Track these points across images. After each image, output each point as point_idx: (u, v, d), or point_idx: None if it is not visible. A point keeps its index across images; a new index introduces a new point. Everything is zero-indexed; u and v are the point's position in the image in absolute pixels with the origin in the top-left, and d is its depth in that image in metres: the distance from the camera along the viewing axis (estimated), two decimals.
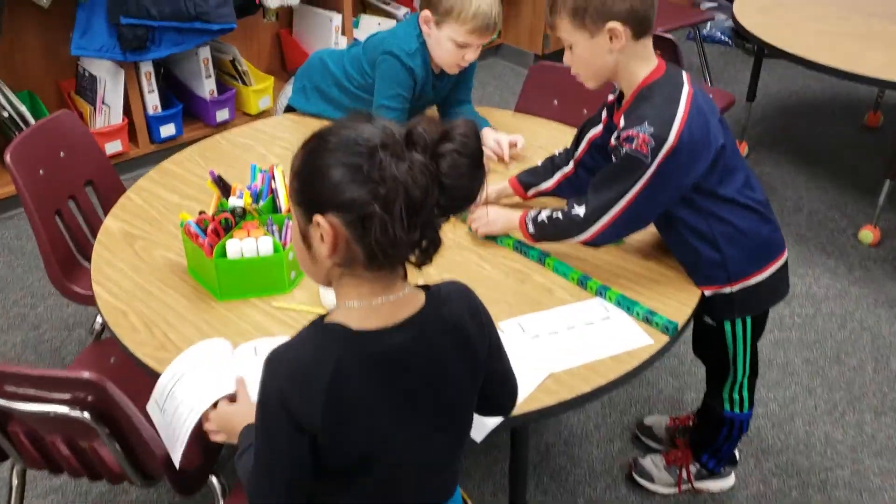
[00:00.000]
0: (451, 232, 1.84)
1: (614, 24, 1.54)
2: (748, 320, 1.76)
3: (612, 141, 1.62)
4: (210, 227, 1.60)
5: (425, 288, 1.12)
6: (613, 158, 1.62)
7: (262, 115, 3.57)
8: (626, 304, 1.63)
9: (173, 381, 1.36)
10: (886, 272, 2.94)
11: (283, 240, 1.65)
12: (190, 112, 3.49)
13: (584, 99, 2.31)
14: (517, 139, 2.13)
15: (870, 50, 2.94)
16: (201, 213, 1.67)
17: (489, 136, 2.15)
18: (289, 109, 2.38)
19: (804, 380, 2.48)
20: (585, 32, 1.57)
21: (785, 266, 1.75)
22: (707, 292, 1.70)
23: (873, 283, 2.87)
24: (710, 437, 1.99)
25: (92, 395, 1.33)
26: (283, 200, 1.74)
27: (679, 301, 1.66)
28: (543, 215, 1.71)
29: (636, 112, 1.57)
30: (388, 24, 3.90)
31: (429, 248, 1.02)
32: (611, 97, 1.77)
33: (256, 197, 1.71)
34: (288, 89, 2.38)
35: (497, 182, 1.95)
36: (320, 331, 1.07)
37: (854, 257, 3.02)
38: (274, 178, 1.76)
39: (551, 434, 2.27)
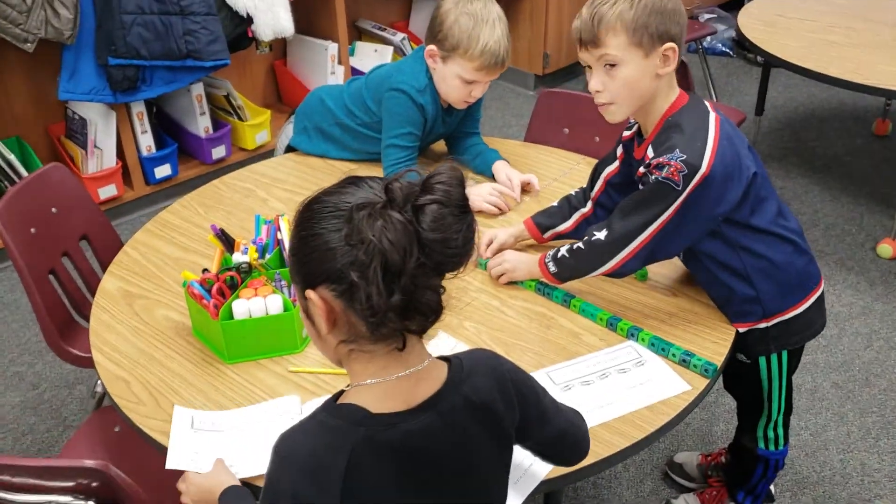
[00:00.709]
0: (470, 276, 1.75)
1: (672, 45, 1.47)
2: (784, 355, 1.67)
3: (641, 170, 1.54)
4: (215, 288, 1.51)
5: (448, 359, 1.03)
6: (641, 187, 1.54)
7: (259, 150, 3.50)
8: (661, 346, 1.53)
9: (222, 426, 1.36)
10: None
11: (292, 296, 1.56)
12: (185, 150, 3.41)
13: (596, 127, 2.24)
14: (531, 178, 2.03)
15: (878, 59, 2.87)
16: (205, 271, 1.57)
17: (501, 172, 2.06)
18: (290, 149, 2.29)
19: (834, 405, 2.38)
20: (640, 51, 1.47)
21: (822, 298, 1.66)
22: (741, 329, 1.61)
23: (895, 297, 2.79)
24: (745, 476, 1.89)
25: (96, 481, 1.23)
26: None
27: (714, 340, 1.57)
28: (563, 250, 1.63)
29: (666, 140, 1.50)
30: (384, 50, 3.83)
31: (426, 313, 0.93)
32: (627, 133, 1.69)
33: (262, 251, 1.61)
34: (288, 129, 2.29)
35: (510, 225, 1.87)
36: (334, 414, 0.98)
37: (874, 272, 2.94)
38: (280, 228, 1.67)
39: None
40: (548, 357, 1.54)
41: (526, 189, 2.04)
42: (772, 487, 1.99)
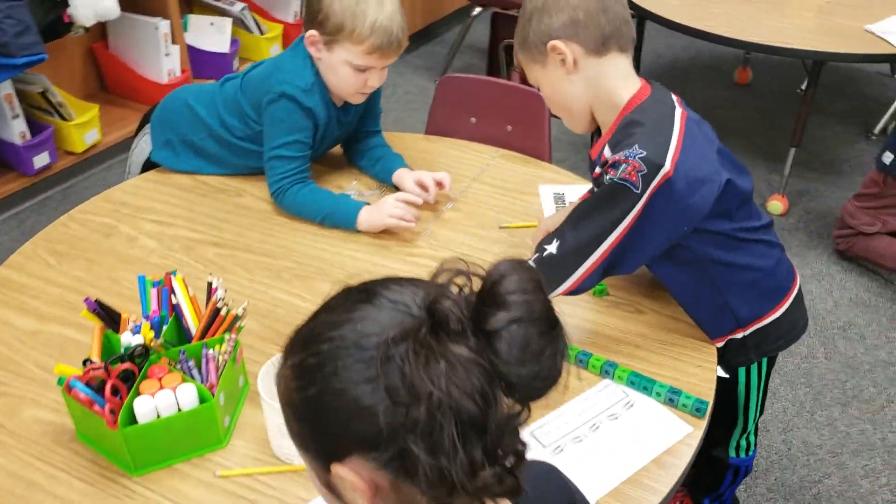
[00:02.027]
0: None
1: (554, 42, 1.30)
2: (763, 363, 1.54)
3: (597, 170, 1.33)
4: (108, 387, 1.16)
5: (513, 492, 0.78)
6: (594, 190, 1.33)
7: (90, 152, 3.00)
8: (643, 385, 1.34)
9: None
10: (804, 242, 2.86)
11: (205, 379, 1.23)
12: (0, 163, 2.85)
13: (507, 114, 2.00)
14: (442, 177, 1.77)
15: (739, 12, 2.81)
16: (86, 362, 1.21)
17: (407, 181, 1.77)
18: (150, 164, 1.89)
19: None
20: (537, 64, 1.37)
21: (800, 294, 1.53)
22: (718, 344, 1.46)
23: (795, 256, 2.78)
24: (714, 484, 1.77)
25: None
26: (192, 320, 1.31)
27: (697, 363, 1.39)
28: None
29: (624, 137, 1.29)
30: (222, 23, 3.37)
31: (514, 464, 0.68)
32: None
33: (158, 327, 1.26)
34: (144, 142, 1.88)
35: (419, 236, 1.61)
36: None
37: None
38: (174, 290, 1.32)
39: None
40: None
41: (439, 187, 1.78)
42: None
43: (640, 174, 1.24)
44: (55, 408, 1.29)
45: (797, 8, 2.88)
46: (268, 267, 1.60)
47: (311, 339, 0.69)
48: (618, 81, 1.34)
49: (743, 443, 1.67)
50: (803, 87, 3.77)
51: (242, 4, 3.45)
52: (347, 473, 0.66)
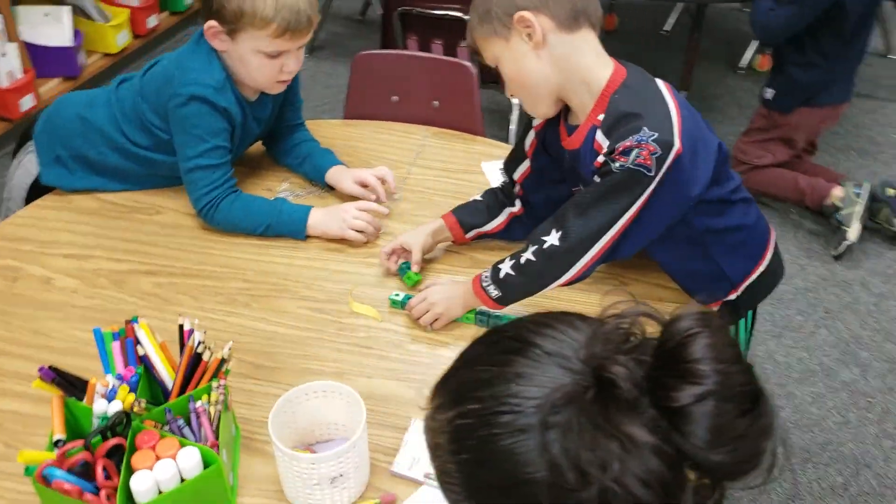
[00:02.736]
0: (402, 324, 1.36)
1: (522, 14, 1.22)
2: (749, 315, 1.54)
3: (600, 160, 1.24)
4: (98, 469, 0.97)
5: None
6: (597, 179, 1.24)
7: None
8: None
9: None
10: None
11: (199, 437, 1.07)
12: None
13: (431, 89, 1.88)
14: (384, 173, 1.63)
15: None
16: (58, 443, 1.01)
17: (345, 180, 1.62)
18: (37, 190, 1.63)
19: None
20: (499, 39, 1.27)
21: (776, 245, 1.53)
22: (713, 308, 1.44)
23: None
24: None
25: None
26: (166, 371, 1.13)
27: None
28: (507, 266, 1.30)
29: (624, 122, 1.20)
30: (58, 12, 3.00)
31: None
32: (538, 122, 1.41)
33: (136, 387, 1.08)
34: (27, 161, 1.62)
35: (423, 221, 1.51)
36: None
37: None
38: (139, 341, 1.13)
39: None
40: None
41: (388, 191, 1.63)
42: None
43: (654, 157, 1.17)
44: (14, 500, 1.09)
45: None
46: (217, 291, 1.42)
47: (461, 396, 0.60)
48: (591, 59, 1.26)
49: None
50: (666, 27, 3.87)
51: None
52: None
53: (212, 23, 1.44)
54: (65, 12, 3.01)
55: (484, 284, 1.32)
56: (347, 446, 1.03)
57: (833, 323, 2.37)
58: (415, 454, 1.15)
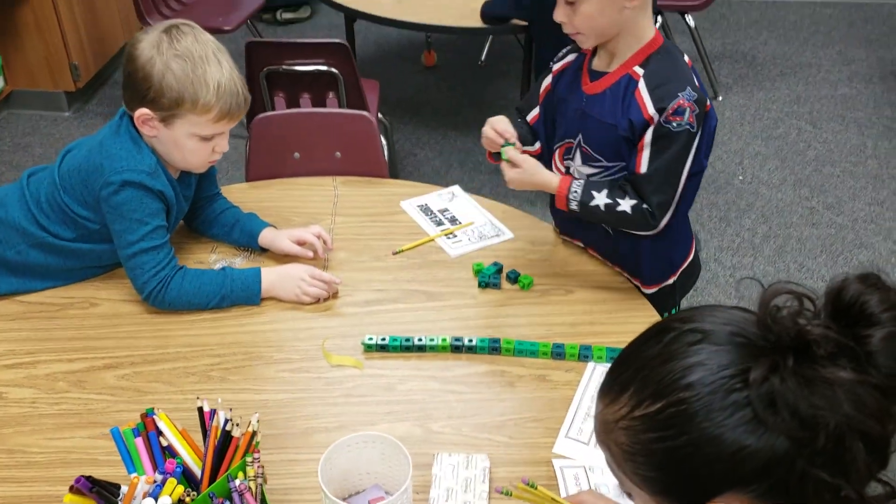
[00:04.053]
0: (389, 363, 1.40)
1: None
2: (680, 305, 1.72)
3: (657, 119, 1.39)
4: None
5: None
6: (651, 136, 1.40)
7: None
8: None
9: None
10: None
11: None
12: None
13: (332, 141, 1.93)
14: (319, 231, 1.64)
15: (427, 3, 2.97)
16: None
17: (281, 240, 1.62)
18: None
19: None
20: None
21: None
22: (650, 291, 1.60)
23: None
24: None
25: None
26: (190, 456, 1.11)
27: (641, 318, 1.52)
28: (600, 200, 1.45)
29: (667, 79, 1.40)
30: None
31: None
32: (557, 65, 1.58)
33: (182, 478, 1.05)
34: None
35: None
36: None
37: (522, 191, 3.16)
38: (161, 432, 1.10)
39: None
40: (553, 417, 1.32)
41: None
42: None
43: (695, 115, 1.38)
44: None
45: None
46: (188, 372, 1.39)
47: (665, 389, 0.67)
48: (648, 20, 1.44)
49: None
50: (483, 58, 4.11)
51: None
52: None
53: (144, 111, 1.42)
54: None
55: (570, 197, 1.47)
56: (403, 490, 1.06)
57: (701, 298, 2.65)
58: (448, 485, 1.20)
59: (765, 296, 0.69)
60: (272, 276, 1.53)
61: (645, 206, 1.43)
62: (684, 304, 1.72)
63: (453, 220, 1.76)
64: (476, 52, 4.14)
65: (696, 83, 1.41)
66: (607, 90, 1.46)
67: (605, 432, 0.75)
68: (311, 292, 1.53)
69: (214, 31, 3.17)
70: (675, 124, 1.38)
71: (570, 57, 1.57)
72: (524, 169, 1.48)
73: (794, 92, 3.94)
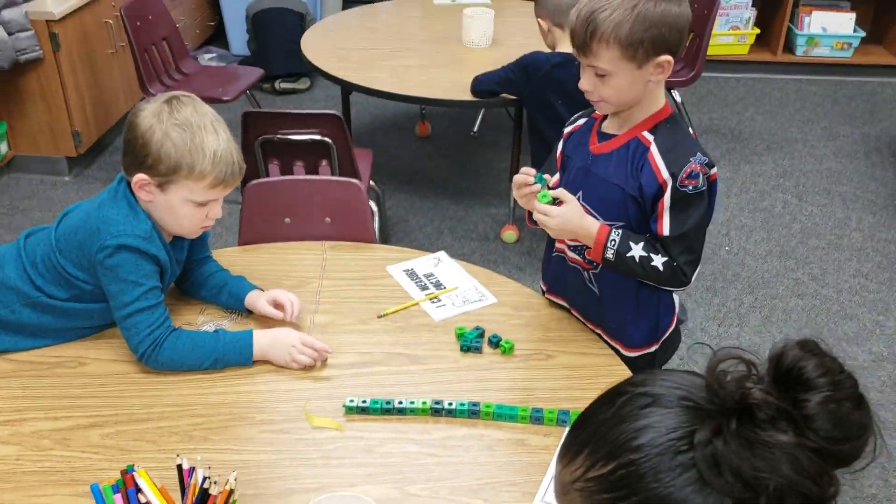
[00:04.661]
0: (373, 426, 1.42)
1: (667, 57, 1.43)
2: None
3: (671, 184, 1.47)
4: None
5: None
6: (670, 199, 1.47)
7: None
8: None
9: None
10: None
11: None
12: None
13: (323, 209, 1.98)
14: (290, 297, 1.66)
15: (429, 73, 3.12)
16: None
17: (259, 302, 1.65)
18: None
19: None
20: (633, 63, 1.44)
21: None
22: (632, 354, 1.63)
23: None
24: None
25: None
26: None
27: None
28: (636, 252, 1.49)
29: (678, 145, 1.48)
30: None
31: None
32: (569, 128, 1.67)
33: None
34: None
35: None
36: None
37: (510, 257, 3.22)
38: (140, 489, 1.12)
39: None
40: (530, 482, 1.33)
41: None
42: None
43: (706, 177, 1.46)
44: None
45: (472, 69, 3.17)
46: (171, 431, 1.41)
47: (616, 451, 0.69)
48: (662, 90, 1.52)
49: None
50: (475, 129, 4.22)
51: None
52: None
53: (142, 176, 1.48)
54: None
55: (608, 245, 1.50)
56: None
57: (687, 367, 2.67)
58: None
59: (712, 361, 0.72)
60: (265, 341, 1.56)
61: (675, 263, 1.50)
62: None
63: (438, 285, 1.80)
64: (470, 122, 4.26)
65: (703, 150, 1.49)
66: (614, 151, 1.53)
67: (563, 493, 0.77)
68: (300, 360, 1.55)
69: (214, 101, 3.32)
70: (690, 188, 1.46)
71: (582, 121, 1.66)
72: (571, 207, 1.51)
73: (780, 166, 4.04)
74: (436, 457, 1.39)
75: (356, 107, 4.30)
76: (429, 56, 3.28)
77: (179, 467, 1.14)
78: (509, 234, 3.30)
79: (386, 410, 1.45)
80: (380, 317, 1.70)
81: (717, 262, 3.28)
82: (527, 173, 1.54)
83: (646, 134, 1.50)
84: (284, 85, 4.52)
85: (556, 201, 1.53)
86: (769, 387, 0.69)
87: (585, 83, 1.50)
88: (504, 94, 2.84)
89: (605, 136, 1.56)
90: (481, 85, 2.82)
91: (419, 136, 4.15)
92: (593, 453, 0.73)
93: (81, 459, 1.35)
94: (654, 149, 1.49)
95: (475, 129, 4.20)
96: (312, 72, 3.21)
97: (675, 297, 1.72)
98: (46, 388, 1.50)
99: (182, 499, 1.13)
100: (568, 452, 0.76)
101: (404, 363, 1.59)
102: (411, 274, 1.84)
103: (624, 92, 1.47)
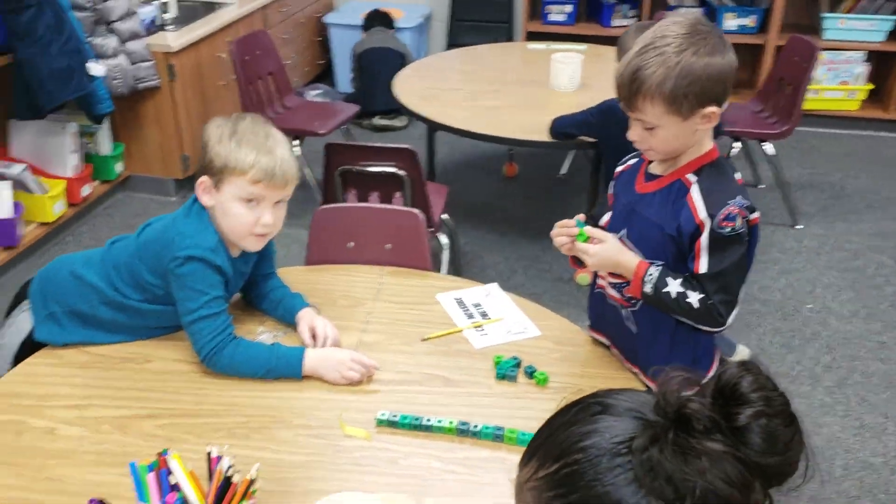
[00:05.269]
0: (399, 439, 1.51)
1: (712, 108, 1.48)
2: None
3: (709, 226, 1.49)
4: None
5: None
6: (707, 240, 1.50)
7: None
8: None
9: None
10: None
11: None
12: None
13: (384, 235, 2.10)
14: (327, 330, 1.75)
15: (512, 114, 3.23)
16: None
17: (301, 324, 1.77)
18: (29, 347, 1.72)
19: None
20: (678, 117, 1.49)
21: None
22: None
23: None
24: None
25: None
26: (196, 498, 1.23)
27: None
28: (673, 288, 1.52)
29: (718, 188, 1.52)
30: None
31: None
32: (619, 168, 1.73)
33: None
34: (20, 321, 1.72)
35: None
36: None
37: (582, 299, 3.23)
38: (172, 471, 1.24)
39: None
40: None
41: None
42: None
43: (745, 220, 1.49)
44: None
45: (555, 112, 3.26)
46: (217, 428, 1.54)
47: (563, 451, 0.75)
48: (709, 135, 1.57)
49: None
50: (563, 171, 4.28)
51: (22, 165, 3.22)
52: None
53: (203, 178, 1.64)
54: (5, 187, 3.12)
55: (646, 279, 1.54)
56: None
57: None
58: None
59: (661, 378, 0.78)
60: (316, 358, 1.66)
61: (710, 301, 1.52)
62: None
63: (484, 315, 1.87)
64: (558, 165, 4.32)
65: (746, 193, 1.52)
66: (658, 192, 1.58)
67: (518, 494, 0.83)
68: (349, 376, 1.64)
69: (309, 134, 3.54)
70: (728, 230, 1.48)
71: (633, 161, 1.72)
72: (608, 245, 1.58)
73: (879, 226, 3.91)
74: (456, 474, 1.45)
75: (448, 146, 4.46)
76: (514, 98, 3.39)
77: (209, 455, 1.25)
78: (583, 276, 3.29)
79: (414, 426, 1.53)
80: (423, 340, 1.79)
81: (797, 320, 3.21)
82: (564, 225, 1.63)
83: (689, 176, 1.54)
84: (382, 122, 4.72)
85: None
86: (708, 401, 0.74)
87: (634, 135, 1.56)
88: (582, 137, 2.90)
89: (651, 177, 1.61)
90: (560, 127, 2.90)
91: (506, 177, 4.25)
92: (545, 455, 0.78)
93: (134, 445, 1.49)
94: (694, 190, 1.53)
95: (563, 170, 4.27)
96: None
97: (718, 348, 1.73)
98: (113, 380, 1.65)
99: (209, 484, 1.24)
100: (525, 456, 0.82)
101: (439, 385, 1.66)
102: (460, 303, 1.92)
103: (671, 142, 1.52)
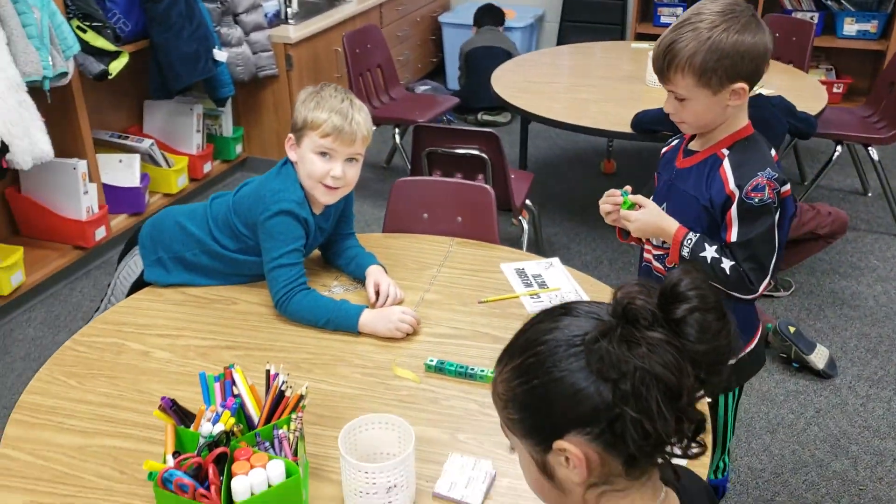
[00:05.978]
0: (438, 382, 1.65)
1: (742, 84, 1.55)
2: (737, 391, 1.81)
3: (738, 196, 1.57)
4: (210, 471, 1.25)
5: (673, 488, 0.97)
6: (736, 212, 1.58)
7: (15, 293, 2.96)
8: None
9: None
10: None
11: (283, 453, 1.34)
12: None
13: (456, 208, 2.25)
14: (389, 289, 1.91)
15: (604, 107, 3.30)
16: (176, 454, 1.30)
17: (368, 280, 1.93)
18: (136, 284, 1.98)
19: None
20: (708, 90, 1.56)
21: (764, 333, 1.83)
22: None
23: None
24: None
25: None
26: (253, 407, 1.42)
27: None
28: (708, 254, 1.61)
29: (749, 161, 1.59)
30: (130, 159, 3.47)
31: (696, 430, 0.87)
32: (666, 147, 1.81)
33: (237, 414, 1.37)
34: (132, 262, 1.98)
35: None
36: None
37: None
38: (235, 383, 1.43)
39: None
40: None
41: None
42: None
43: (774, 192, 1.55)
44: None
45: (645, 104, 3.28)
46: (286, 360, 1.73)
47: (527, 345, 0.88)
48: (744, 112, 1.64)
49: (721, 464, 1.92)
50: None
51: (150, 141, 3.57)
52: (569, 445, 0.84)
53: (290, 135, 1.87)
54: (135, 159, 3.48)
55: (684, 243, 1.64)
56: (401, 459, 1.30)
57: (823, 421, 2.61)
58: (452, 479, 1.41)
59: (617, 287, 0.89)
60: (372, 315, 1.82)
61: (741, 268, 1.58)
62: None
63: (542, 285, 1.99)
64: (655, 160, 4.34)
65: (778, 168, 1.58)
66: (694, 166, 1.66)
67: (493, 388, 0.95)
68: (402, 328, 1.80)
69: (409, 122, 3.73)
70: (756, 200, 1.55)
71: (675, 141, 1.80)
72: (649, 210, 1.68)
73: None
74: (490, 416, 1.58)
75: (548, 140, 4.56)
76: (607, 92, 3.47)
77: (268, 372, 1.44)
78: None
79: (459, 373, 1.67)
80: (480, 302, 1.92)
81: (887, 326, 3.13)
82: (611, 194, 1.72)
83: (724, 150, 1.62)
84: (486, 117, 4.87)
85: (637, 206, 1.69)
86: (654, 301, 0.85)
87: (668, 106, 1.64)
88: (664, 132, 2.95)
89: (689, 153, 1.69)
90: (639, 120, 2.97)
91: (604, 172, 4.31)
92: (513, 352, 0.91)
93: (213, 369, 1.69)
94: (726, 163, 1.60)
95: None
96: None
97: (760, 321, 1.78)
98: (203, 317, 1.87)
99: (265, 396, 1.42)
100: (499, 356, 0.95)
101: (488, 341, 1.79)
102: (521, 273, 2.04)
103: (701, 115, 1.60)
